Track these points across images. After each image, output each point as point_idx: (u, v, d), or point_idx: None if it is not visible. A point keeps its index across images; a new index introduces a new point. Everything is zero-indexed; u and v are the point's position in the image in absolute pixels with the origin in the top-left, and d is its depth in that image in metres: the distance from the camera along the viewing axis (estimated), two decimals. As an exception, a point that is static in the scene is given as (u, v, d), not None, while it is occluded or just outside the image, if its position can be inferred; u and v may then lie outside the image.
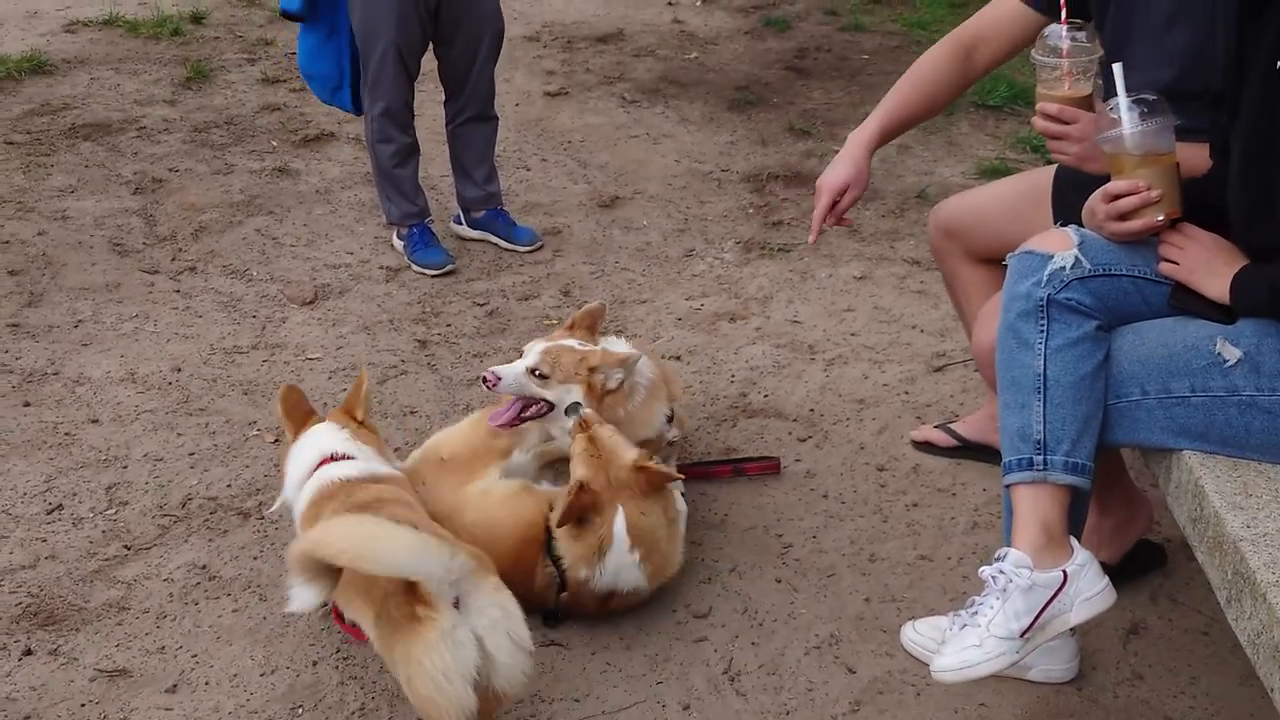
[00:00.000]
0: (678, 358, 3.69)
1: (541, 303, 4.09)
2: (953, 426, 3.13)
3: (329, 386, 3.54)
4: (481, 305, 4.07)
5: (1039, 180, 2.65)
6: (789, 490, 3.02)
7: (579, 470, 2.48)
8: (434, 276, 4.22)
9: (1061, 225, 2.23)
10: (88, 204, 4.59)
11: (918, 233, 4.52)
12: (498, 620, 2.00)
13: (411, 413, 3.43)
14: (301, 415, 2.57)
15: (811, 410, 3.39)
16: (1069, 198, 2.29)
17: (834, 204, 2.63)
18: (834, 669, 2.44)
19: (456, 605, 1.98)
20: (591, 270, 4.31)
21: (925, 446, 3.15)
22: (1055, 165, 2.62)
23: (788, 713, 2.34)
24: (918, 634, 2.44)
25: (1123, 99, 2.06)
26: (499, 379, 2.64)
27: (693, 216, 4.69)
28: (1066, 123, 2.20)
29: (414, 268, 4.26)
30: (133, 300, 4.01)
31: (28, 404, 3.41)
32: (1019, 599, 1.98)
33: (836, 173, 2.62)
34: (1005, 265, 2.19)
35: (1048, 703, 2.36)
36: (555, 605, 2.52)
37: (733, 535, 2.85)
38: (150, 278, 4.17)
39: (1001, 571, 2.01)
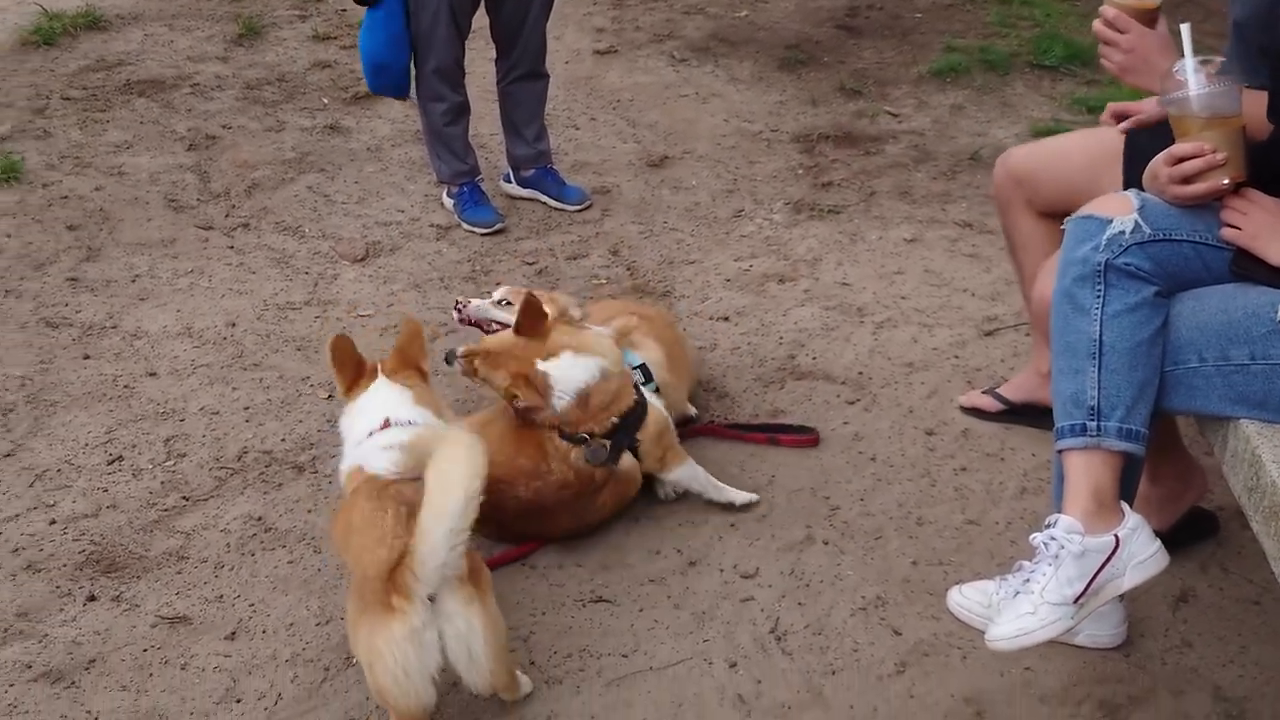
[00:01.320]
0: (726, 319, 3.69)
1: (590, 262, 4.10)
2: (999, 391, 3.12)
3: (380, 344, 3.58)
4: (530, 264, 4.09)
5: (1117, 137, 2.60)
6: (837, 453, 3.03)
7: (498, 378, 2.63)
8: (484, 235, 4.24)
9: (1126, 188, 2.20)
10: (143, 160, 4.65)
11: (970, 195, 4.47)
12: (462, 633, 1.97)
13: (461, 370, 3.46)
14: (352, 367, 2.48)
15: (860, 373, 3.38)
16: (1140, 159, 2.25)
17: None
18: (880, 630, 2.45)
19: (431, 600, 1.95)
20: (640, 230, 4.31)
21: (974, 412, 3.13)
22: None
23: (833, 672, 2.36)
24: (964, 598, 2.44)
25: (1189, 60, 2.02)
26: (467, 304, 3.09)
27: (742, 177, 4.67)
28: (1120, 30, 2.18)
29: (464, 226, 4.28)
30: (188, 256, 4.07)
31: (87, 357, 3.48)
32: (1071, 565, 1.98)
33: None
34: (1065, 229, 2.17)
35: (1094, 668, 2.36)
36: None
37: (779, 497, 2.86)
38: (205, 234, 4.22)
39: (1053, 538, 2.01)
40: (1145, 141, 2.35)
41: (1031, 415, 3.03)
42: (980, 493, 2.85)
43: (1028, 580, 2.02)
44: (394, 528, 1.99)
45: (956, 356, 3.45)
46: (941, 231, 4.24)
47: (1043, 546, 2.02)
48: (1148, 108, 2.47)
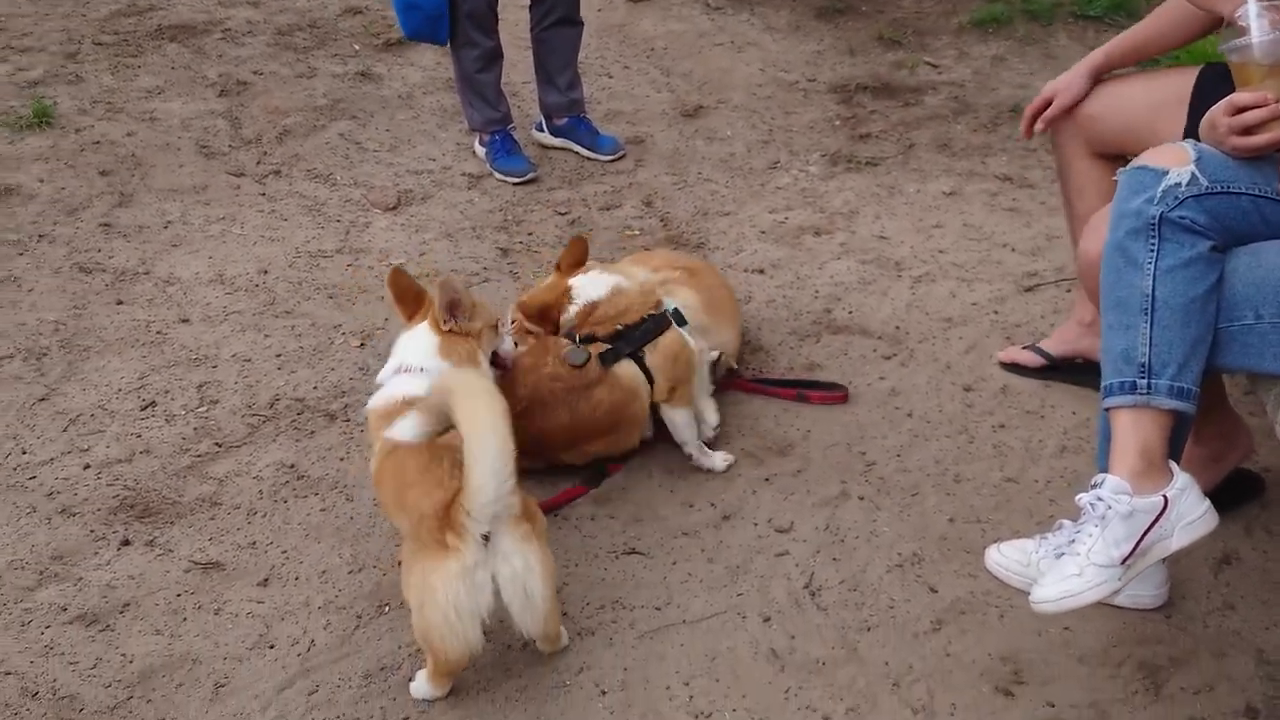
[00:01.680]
0: (760, 271, 3.65)
1: (623, 213, 4.05)
2: (1041, 345, 3.06)
3: (412, 292, 3.55)
4: (563, 214, 4.05)
5: (1185, 80, 2.53)
6: (872, 408, 2.99)
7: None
8: (515, 184, 4.20)
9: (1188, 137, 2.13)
10: (174, 105, 4.62)
11: (1010, 148, 4.39)
12: (519, 571, 1.97)
13: (494, 320, 3.43)
14: (411, 298, 2.45)
15: (897, 328, 3.33)
16: (1209, 104, 2.18)
17: (1042, 109, 2.75)
18: (916, 587, 2.42)
19: (486, 541, 1.96)
20: (674, 180, 4.26)
21: (1013, 368, 3.08)
22: (1201, 66, 2.51)
23: (868, 629, 2.33)
24: (1003, 556, 2.41)
25: (1252, 6, 1.95)
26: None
27: (777, 128, 4.60)
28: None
29: (496, 175, 4.24)
30: (219, 202, 4.05)
31: (120, 302, 3.48)
32: (1119, 526, 1.94)
33: (1052, 82, 2.75)
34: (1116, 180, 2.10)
35: (1134, 629, 2.33)
36: None
37: (815, 452, 2.83)
38: (236, 180, 4.20)
39: (1100, 498, 1.96)
40: (1213, 88, 2.28)
41: (1073, 371, 2.98)
42: (1019, 450, 2.80)
43: (1073, 541, 1.99)
44: (450, 470, 2.00)
45: (995, 312, 3.39)
46: (981, 185, 4.16)
47: (1089, 507, 1.98)
48: (1064, 93, 2.69)
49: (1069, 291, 3.47)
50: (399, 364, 2.38)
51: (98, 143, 4.33)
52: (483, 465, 1.87)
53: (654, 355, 2.69)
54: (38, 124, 4.38)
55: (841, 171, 4.30)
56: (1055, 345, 3.03)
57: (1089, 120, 2.70)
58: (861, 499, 2.66)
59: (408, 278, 2.47)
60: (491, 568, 1.96)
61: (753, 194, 4.17)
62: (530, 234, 3.92)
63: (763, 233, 3.89)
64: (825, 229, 3.90)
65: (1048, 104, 2.71)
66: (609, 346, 2.68)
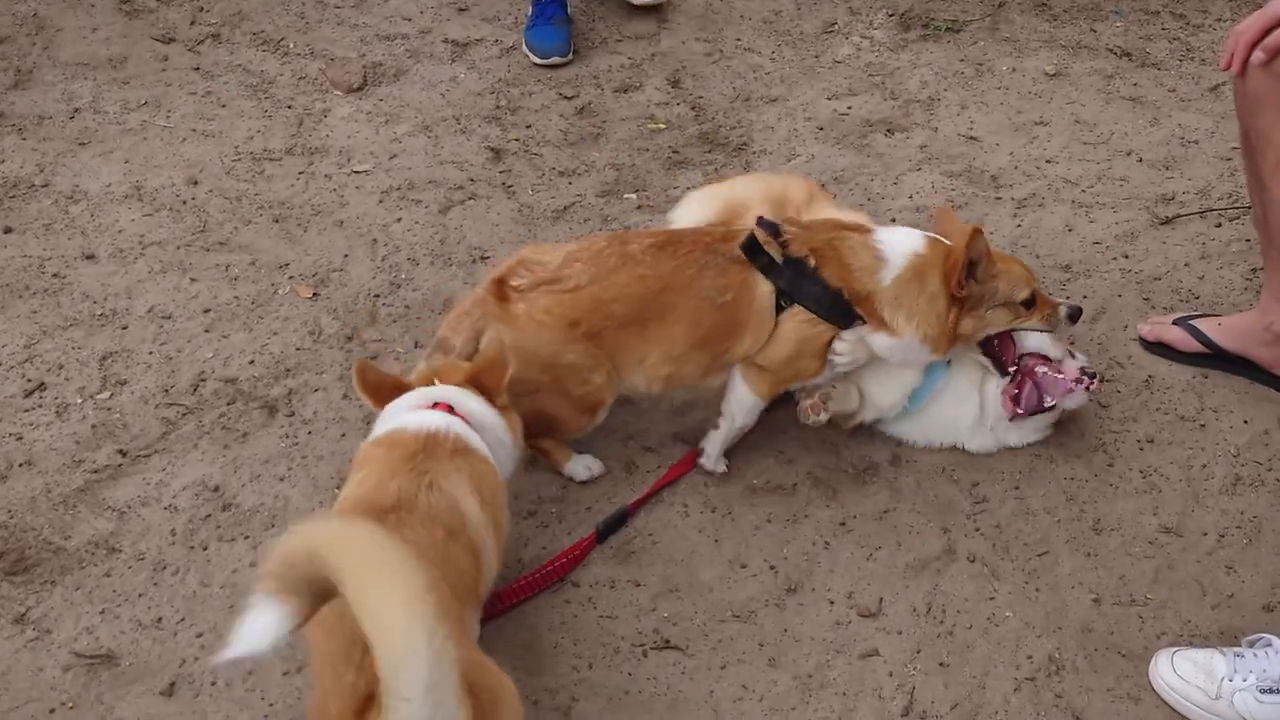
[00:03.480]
0: (822, 187, 2.87)
1: (644, 97, 3.24)
2: (1200, 325, 2.33)
3: (379, 214, 2.80)
4: (569, 99, 3.24)
5: None
6: (974, 402, 2.28)
7: None
8: (540, 64, 3.35)
9: None
10: (88, -55, 3.73)
11: (1125, 9, 3.52)
12: None
13: (483, 257, 2.69)
14: (389, 390, 1.81)
15: (998, 276, 2.59)
16: None
17: (1264, 33, 1.95)
18: (1056, 717, 1.78)
19: None
20: (706, 50, 3.42)
21: (1160, 348, 2.36)
22: None
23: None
24: (1177, 677, 1.76)
25: None
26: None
27: (834, -23, 3.71)
28: None
29: (524, 47, 3.38)
30: (141, 81, 3.24)
31: (8, 230, 2.73)
32: None
33: None
34: None
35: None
36: None
37: (905, 480, 2.15)
38: (164, 49, 3.37)
39: None
40: None
41: (1248, 368, 2.27)
42: (1177, 481, 2.12)
43: None
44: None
45: (1125, 256, 2.64)
46: (1091, 63, 3.33)
47: None
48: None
49: (1219, 226, 2.71)
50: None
51: (-10, -3, 3.48)
52: (407, 675, 1.18)
53: None
54: (-85, -28, 3.52)
55: (915, 40, 3.46)
56: (1224, 335, 2.29)
57: None
58: (972, 560, 1.99)
59: (376, 372, 1.81)
60: None
61: (805, 70, 3.35)
62: (528, 127, 3.12)
63: (820, 129, 3.10)
64: (899, 124, 3.11)
65: (1275, 25, 1.90)
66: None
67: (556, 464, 2.15)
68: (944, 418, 2.13)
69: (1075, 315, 2.08)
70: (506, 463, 1.80)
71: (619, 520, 2.04)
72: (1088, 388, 2.04)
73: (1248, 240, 2.66)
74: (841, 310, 1.95)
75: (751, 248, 1.97)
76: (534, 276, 2.00)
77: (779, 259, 1.95)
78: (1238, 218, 2.73)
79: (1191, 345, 2.32)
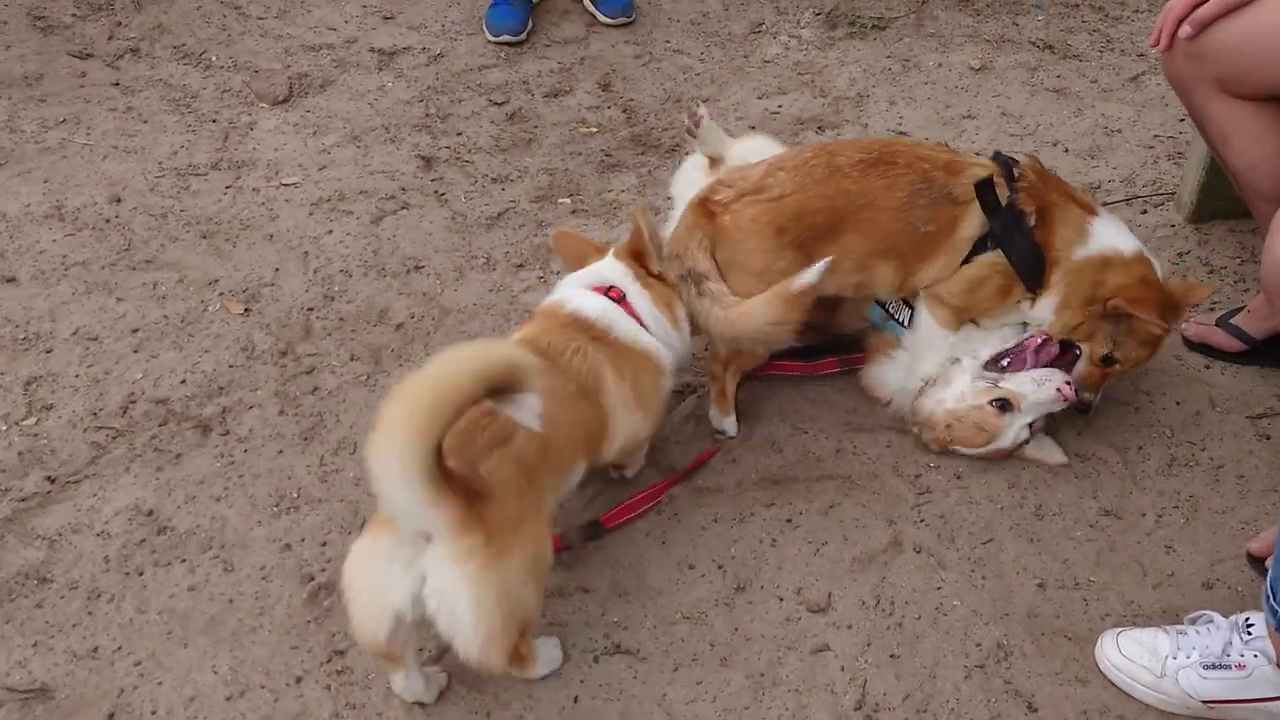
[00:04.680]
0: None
1: (574, 101, 3.23)
2: (1237, 322, 2.33)
3: (309, 226, 2.76)
4: (499, 104, 3.22)
5: None
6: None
7: None
8: (494, 43, 3.44)
9: None
10: (-2, -40, 3.64)
11: (1046, 3, 3.58)
12: (443, 589, 1.57)
13: (417, 267, 2.65)
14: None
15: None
16: None
17: (1191, 9, 2.01)
18: (1006, 703, 1.79)
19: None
20: (635, 52, 3.42)
21: (1201, 348, 2.36)
22: None
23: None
24: (1123, 656, 1.76)
25: None
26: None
27: (760, -22, 3.73)
28: None
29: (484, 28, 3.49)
30: (59, 98, 3.16)
31: (-77, 254, 2.65)
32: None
33: None
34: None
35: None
36: None
37: (856, 471, 2.15)
38: (81, 64, 3.29)
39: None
40: None
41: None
42: (1115, 464, 2.14)
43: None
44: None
45: (1056, 244, 2.68)
46: (1015, 56, 3.37)
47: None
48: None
49: (1144, 213, 2.76)
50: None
51: (-103, 17, 3.38)
52: (385, 467, 1.46)
53: None
54: None
55: (842, 38, 3.48)
56: (1252, 320, 2.31)
57: (1215, 58, 1.98)
58: (918, 551, 1.99)
59: (570, 239, 2.10)
60: (420, 570, 1.58)
61: (735, 70, 3.36)
62: (459, 135, 3.10)
63: (752, 128, 3.10)
64: (830, 121, 3.12)
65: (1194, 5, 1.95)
66: None
67: (718, 406, 2.16)
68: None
69: None
70: (671, 339, 1.94)
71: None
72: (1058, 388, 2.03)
73: (1172, 226, 2.71)
74: (1037, 273, 2.00)
75: (985, 188, 1.99)
76: (736, 189, 2.01)
77: (1003, 203, 1.98)
78: (1162, 204, 2.78)
79: (1235, 345, 2.33)
